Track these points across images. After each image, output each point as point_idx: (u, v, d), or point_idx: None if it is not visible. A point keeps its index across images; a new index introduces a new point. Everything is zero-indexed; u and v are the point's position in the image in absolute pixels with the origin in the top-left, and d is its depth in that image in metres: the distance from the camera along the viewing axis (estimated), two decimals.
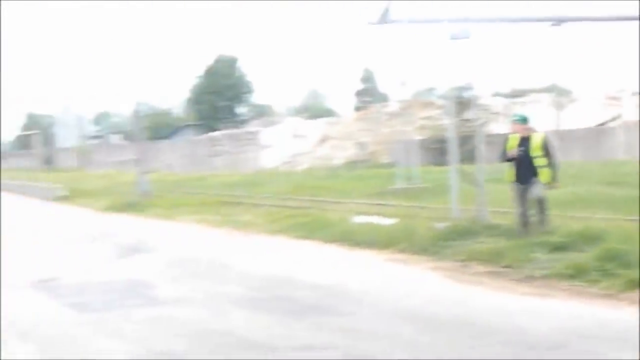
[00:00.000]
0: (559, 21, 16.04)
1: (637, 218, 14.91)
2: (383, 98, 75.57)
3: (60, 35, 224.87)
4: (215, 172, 49.63)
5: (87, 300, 11.96)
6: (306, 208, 22.79)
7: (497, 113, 48.25)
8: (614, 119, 47.44)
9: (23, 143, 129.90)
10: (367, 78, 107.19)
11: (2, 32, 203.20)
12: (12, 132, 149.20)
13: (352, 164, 45.54)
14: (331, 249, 16.00)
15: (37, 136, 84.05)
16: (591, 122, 47.03)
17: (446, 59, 16.24)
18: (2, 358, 7.71)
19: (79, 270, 15.17)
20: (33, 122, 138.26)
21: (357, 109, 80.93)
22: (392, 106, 54.53)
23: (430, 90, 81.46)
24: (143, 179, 32.17)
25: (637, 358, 7.37)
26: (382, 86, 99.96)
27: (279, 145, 56.70)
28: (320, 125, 59.68)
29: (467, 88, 19.20)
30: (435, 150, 39.40)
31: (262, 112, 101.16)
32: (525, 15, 16.58)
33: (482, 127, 20.26)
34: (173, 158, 60.18)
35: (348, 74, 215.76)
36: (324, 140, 54.15)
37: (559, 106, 49.11)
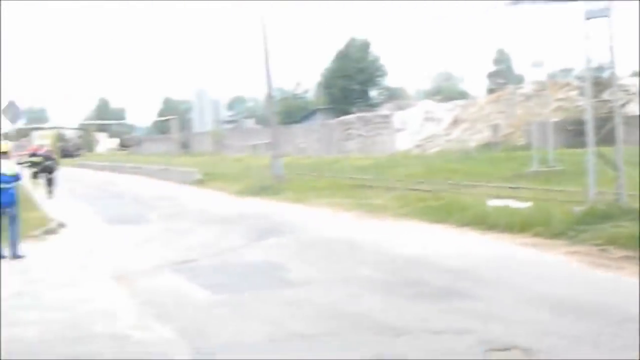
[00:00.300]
0: None
1: None
2: (517, 79, 74.31)
3: (194, 21, 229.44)
4: (347, 156, 49.77)
5: (223, 282, 12.19)
6: (439, 191, 22.62)
7: (635, 94, 46.77)
8: None
9: (159, 128, 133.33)
10: (501, 59, 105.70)
11: (131, 21, 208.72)
12: (148, 117, 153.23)
13: (485, 147, 44.97)
14: (464, 233, 15.86)
15: (174, 121, 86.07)
16: None
17: (583, 38, 15.82)
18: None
19: (215, 252, 15.49)
20: (169, 107, 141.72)
21: (491, 90, 79.86)
22: (527, 87, 53.49)
23: (567, 70, 79.58)
24: (276, 162, 32.55)
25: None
26: (516, 67, 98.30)
27: (412, 129, 56.41)
28: (452, 108, 59.10)
29: (605, 68, 18.61)
30: (572, 132, 38.46)
31: (394, 95, 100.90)
32: None
33: (620, 108, 19.65)
34: (306, 142, 60.61)
35: (481, 55, 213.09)
36: (456, 122, 53.62)
37: None
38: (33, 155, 37.42)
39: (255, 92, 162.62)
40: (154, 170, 48.07)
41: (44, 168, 33.54)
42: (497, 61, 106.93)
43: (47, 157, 34.40)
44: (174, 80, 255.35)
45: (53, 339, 9.09)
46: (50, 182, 32.92)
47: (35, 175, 34.48)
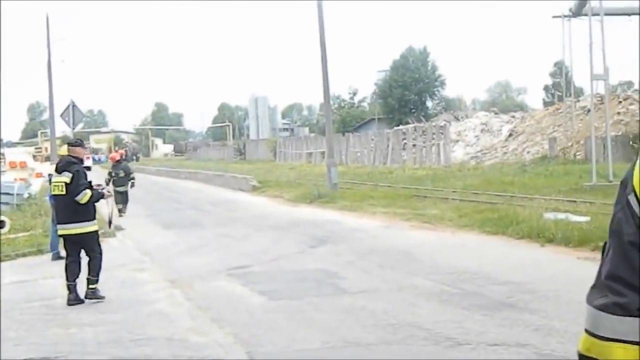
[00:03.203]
0: None
1: None
2: (576, 92, 73.60)
3: (252, 27, 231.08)
4: (403, 166, 49.67)
5: (278, 288, 12.22)
6: (495, 203, 22.44)
7: None
8: None
9: (215, 134, 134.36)
10: (559, 72, 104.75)
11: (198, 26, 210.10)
12: (204, 123, 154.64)
13: (542, 160, 44.49)
14: (521, 245, 15.69)
15: (228, 128, 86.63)
16: None
17: None
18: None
19: (269, 259, 15.54)
20: (224, 114, 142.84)
21: (548, 103, 79.08)
22: (586, 101, 52.85)
23: (627, 84, 78.66)
24: (331, 171, 32.52)
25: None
26: (575, 80, 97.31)
27: (468, 140, 56.13)
28: (509, 120, 58.67)
29: None
30: (633, 146, 37.96)
31: (451, 106, 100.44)
32: None
33: None
34: (361, 151, 60.59)
35: (539, 67, 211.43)
36: (513, 135, 53.19)
37: None
38: (118, 162, 29.21)
39: (311, 100, 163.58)
40: (210, 176, 48.36)
41: (118, 179, 27.16)
42: (555, 74, 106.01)
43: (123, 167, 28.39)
44: (231, 87, 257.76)
45: (108, 341, 9.18)
46: (123, 197, 27.30)
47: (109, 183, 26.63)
